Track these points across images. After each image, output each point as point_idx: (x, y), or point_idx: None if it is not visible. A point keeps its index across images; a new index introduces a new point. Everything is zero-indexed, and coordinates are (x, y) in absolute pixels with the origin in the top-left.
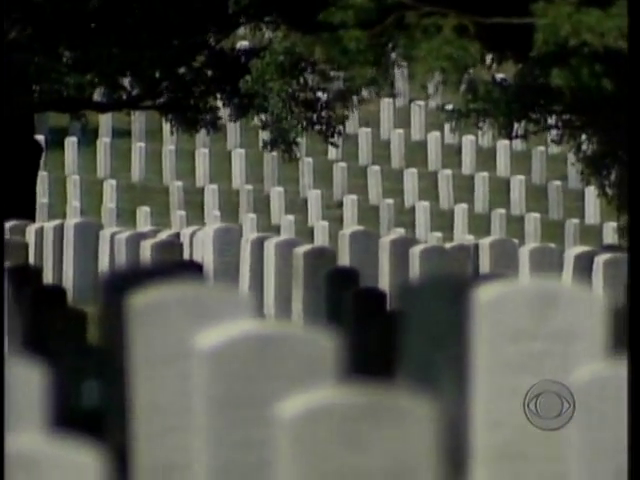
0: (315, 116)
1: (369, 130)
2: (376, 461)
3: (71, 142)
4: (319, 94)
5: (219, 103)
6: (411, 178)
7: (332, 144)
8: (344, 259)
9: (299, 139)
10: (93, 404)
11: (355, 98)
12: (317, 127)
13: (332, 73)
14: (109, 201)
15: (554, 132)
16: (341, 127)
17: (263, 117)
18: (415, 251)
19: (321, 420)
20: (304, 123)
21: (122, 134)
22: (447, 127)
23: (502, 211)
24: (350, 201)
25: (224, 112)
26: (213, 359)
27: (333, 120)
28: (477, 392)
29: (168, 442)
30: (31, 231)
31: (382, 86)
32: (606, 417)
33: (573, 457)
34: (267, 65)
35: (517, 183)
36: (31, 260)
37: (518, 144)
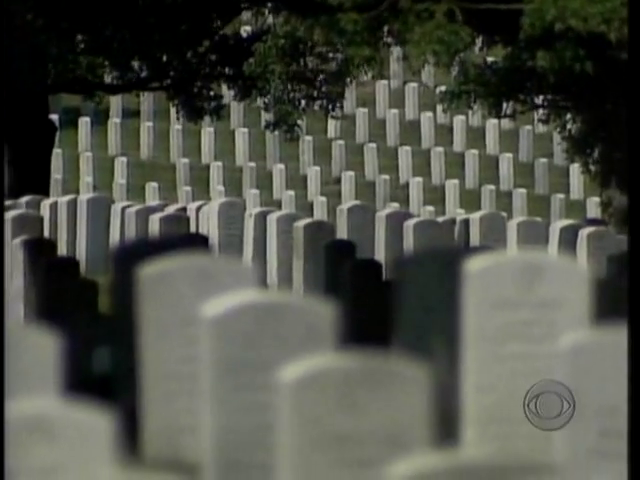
0: (316, 92)
1: (366, 110)
2: (372, 424)
3: (84, 122)
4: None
5: (223, 89)
6: (405, 155)
7: (333, 117)
8: (342, 232)
9: (300, 121)
10: (104, 369)
11: (352, 79)
12: (318, 102)
13: (330, 54)
14: (120, 177)
15: (540, 112)
16: (341, 100)
17: (265, 99)
18: (409, 224)
19: (319, 384)
20: (305, 101)
21: (132, 114)
22: (439, 107)
23: (491, 187)
24: (348, 177)
25: (229, 93)
26: (218, 326)
27: (333, 94)
28: (467, 357)
29: (175, 405)
30: (46, 205)
31: (376, 66)
32: (590, 381)
33: None
34: (269, 48)
35: (505, 160)
36: (46, 233)
37: (506, 123)
